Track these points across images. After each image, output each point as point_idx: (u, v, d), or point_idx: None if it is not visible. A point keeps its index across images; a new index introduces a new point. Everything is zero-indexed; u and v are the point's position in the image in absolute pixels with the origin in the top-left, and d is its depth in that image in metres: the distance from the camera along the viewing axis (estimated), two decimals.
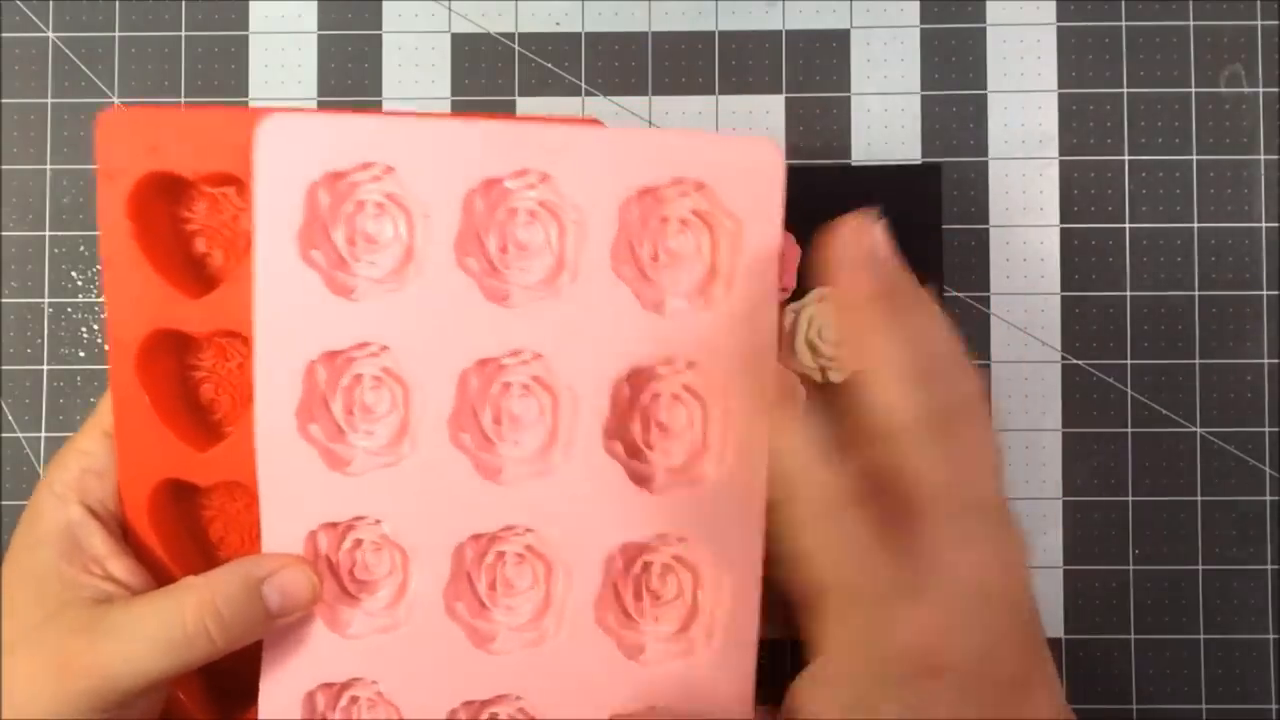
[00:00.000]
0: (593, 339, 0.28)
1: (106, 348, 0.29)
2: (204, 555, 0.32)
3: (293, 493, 0.28)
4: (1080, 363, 0.43)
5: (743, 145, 0.28)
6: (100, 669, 0.26)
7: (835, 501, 0.24)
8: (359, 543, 0.29)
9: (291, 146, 0.27)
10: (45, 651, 0.27)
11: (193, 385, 0.32)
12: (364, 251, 0.29)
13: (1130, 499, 0.42)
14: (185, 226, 0.32)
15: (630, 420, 0.29)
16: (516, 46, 0.44)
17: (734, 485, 0.28)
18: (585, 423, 0.28)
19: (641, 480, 0.29)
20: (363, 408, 0.29)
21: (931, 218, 0.42)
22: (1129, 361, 0.43)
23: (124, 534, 0.30)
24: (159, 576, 0.30)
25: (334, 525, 0.29)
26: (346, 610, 0.29)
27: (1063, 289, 0.43)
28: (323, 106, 0.44)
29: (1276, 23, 0.43)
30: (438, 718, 0.28)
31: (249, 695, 0.30)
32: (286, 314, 0.28)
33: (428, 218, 0.28)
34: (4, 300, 0.43)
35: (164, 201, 0.31)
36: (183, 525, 0.32)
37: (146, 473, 0.30)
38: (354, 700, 0.29)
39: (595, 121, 0.29)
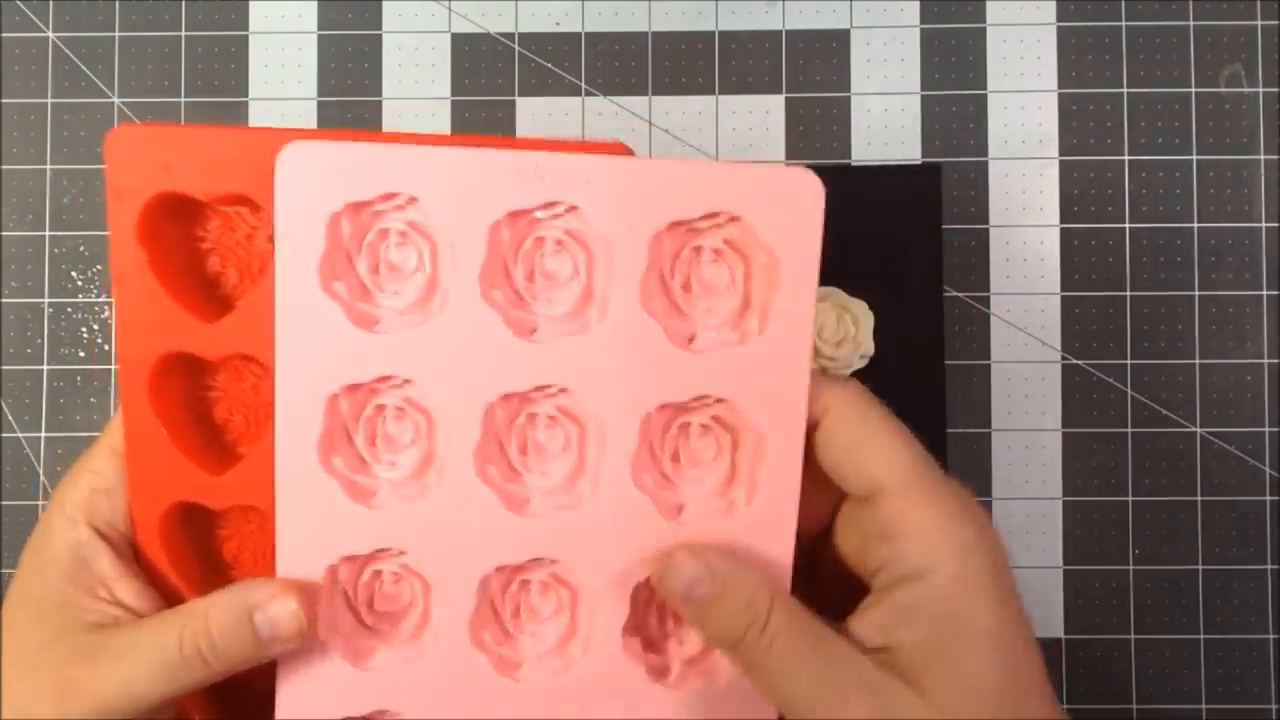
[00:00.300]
0: (621, 375, 0.28)
1: (117, 367, 0.29)
2: (217, 577, 0.32)
3: (313, 525, 0.28)
4: (1080, 363, 0.43)
5: (781, 177, 0.27)
6: (99, 694, 0.26)
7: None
8: (379, 574, 0.29)
9: (313, 175, 0.27)
10: (45, 674, 0.27)
11: (206, 407, 0.32)
12: (387, 282, 0.28)
13: (1130, 499, 0.42)
14: (198, 245, 0.31)
15: (659, 452, 0.29)
16: (516, 46, 0.44)
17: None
18: (613, 455, 0.28)
19: (671, 514, 0.29)
20: (385, 438, 0.29)
21: (931, 218, 0.42)
22: (1129, 361, 0.43)
23: (134, 555, 0.30)
24: (170, 598, 0.30)
25: (354, 558, 0.28)
26: (365, 642, 0.29)
27: (1063, 289, 0.43)
28: (324, 108, 0.44)
29: (1276, 23, 0.43)
30: None
31: (261, 712, 0.30)
32: (308, 345, 0.27)
33: (453, 248, 0.27)
34: (4, 300, 0.43)
35: (176, 221, 0.30)
36: (195, 547, 0.31)
37: (158, 495, 0.29)
38: None
39: (624, 149, 0.28)
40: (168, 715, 0.29)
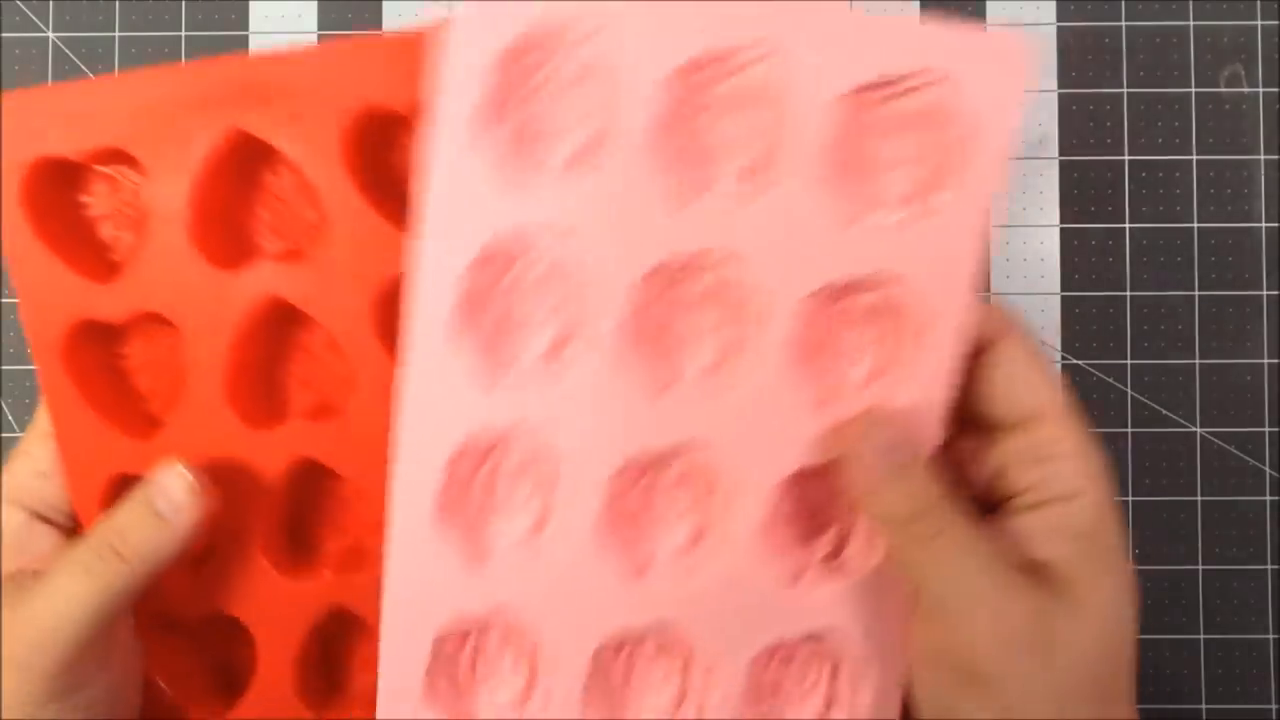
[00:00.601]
0: (785, 249, 0.26)
1: (30, 350, 0.29)
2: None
3: (444, 392, 0.26)
4: (1080, 363, 0.43)
5: (985, 38, 0.25)
6: (35, 622, 0.26)
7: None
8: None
9: (483, 23, 0.25)
10: None
11: (124, 376, 0.31)
12: (554, 131, 0.26)
13: (1130, 499, 0.42)
14: (85, 212, 0.31)
15: (819, 331, 0.27)
16: None
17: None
18: (772, 335, 0.26)
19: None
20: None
21: None
22: (1129, 361, 0.43)
23: (78, 531, 0.30)
24: None
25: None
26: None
27: (1063, 289, 0.43)
28: None
29: (1276, 23, 0.43)
30: None
31: (243, 687, 0.30)
32: (452, 205, 0.26)
33: (626, 97, 0.25)
34: (4, 300, 0.43)
35: (59, 188, 0.30)
36: None
37: (92, 471, 0.29)
38: None
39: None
40: (128, 683, 0.29)
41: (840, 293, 0.27)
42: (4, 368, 0.43)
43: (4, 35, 0.44)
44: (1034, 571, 0.25)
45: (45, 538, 0.29)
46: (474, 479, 0.27)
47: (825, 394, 0.27)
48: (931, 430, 0.27)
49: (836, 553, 0.28)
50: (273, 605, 0.29)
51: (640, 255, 0.26)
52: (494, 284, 0.27)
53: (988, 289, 0.43)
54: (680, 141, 0.26)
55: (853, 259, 0.26)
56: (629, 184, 0.25)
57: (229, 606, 0.30)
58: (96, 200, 0.31)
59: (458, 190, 0.25)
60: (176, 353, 0.30)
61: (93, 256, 0.30)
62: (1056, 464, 0.26)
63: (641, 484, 0.28)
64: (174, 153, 0.28)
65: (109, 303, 0.29)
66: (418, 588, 0.27)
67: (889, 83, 0.26)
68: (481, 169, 0.25)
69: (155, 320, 0.30)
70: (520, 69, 0.26)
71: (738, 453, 0.27)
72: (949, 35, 0.25)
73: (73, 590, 0.26)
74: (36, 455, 0.30)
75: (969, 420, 0.28)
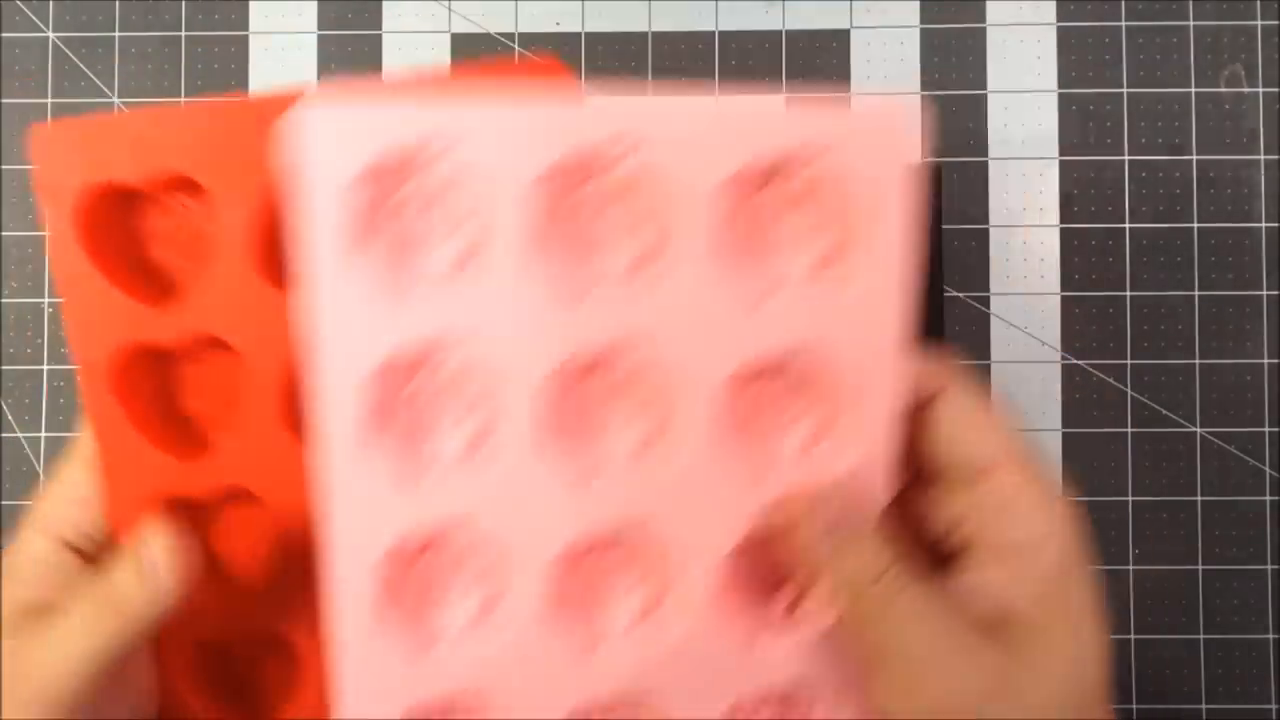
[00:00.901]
0: (694, 335, 0.25)
1: (77, 374, 0.29)
2: (213, 570, 0.32)
3: (360, 508, 0.26)
4: (1080, 363, 0.43)
5: (861, 108, 0.25)
6: (42, 667, 0.27)
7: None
8: (435, 560, 0.27)
9: (333, 140, 0.25)
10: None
11: (174, 399, 0.31)
12: (425, 245, 0.26)
13: (1130, 499, 0.42)
14: (141, 236, 0.30)
15: (744, 406, 0.27)
16: (516, 46, 0.44)
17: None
18: (693, 417, 0.26)
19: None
20: (440, 408, 0.27)
21: (932, 218, 0.42)
22: (1129, 361, 0.43)
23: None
24: None
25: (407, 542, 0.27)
26: (425, 629, 0.28)
27: (1063, 289, 0.43)
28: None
29: (1276, 23, 0.43)
30: None
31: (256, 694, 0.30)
32: (341, 318, 0.25)
33: (495, 207, 0.25)
34: (4, 300, 0.43)
35: (114, 213, 0.30)
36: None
37: (137, 494, 0.29)
38: None
39: (557, 64, 0.26)
40: (142, 694, 0.29)
41: (761, 368, 0.26)
42: (4, 368, 0.43)
43: (4, 35, 0.44)
44: (996, 626, 0.25)
45: (69, 566, 0.29)
46: (409, 577, 0.27)
47: (760, 467, 0.27)
48: (877, 491, 0.27)
49: (794, 607, 0.28)
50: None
51: (546, 351, 0.25)
52: (397, 393, 0.26)
53: (988, 289, 0.43)
54: (563, 237, 0.26)
55: (766, 335, 0.26)
56: (518, 283, 0.25)
57: (282, 628, 0.30)
58: (151, 224, 0.31)
59: (342, 310, 0.25)
60: (230, 375, 0.30)
61: (145, 280, 0.30)
62: (1014, 513, 0.26)
63: (585, 565, 0.28)
64: (240, 178, 0.28)
65: (163, 326, 0.29)
66: (368, 683, 0.26)
67: (769, 163, 0.25)
68: (363, 287, 0.25)
69: (210, 343, 0.29)
70: (381, 187, 0.25)
71: (679, 531, 0.27)
72: (822, 113, 0.25)
73: (71, 647, 0.27)
74: (74, 482, 0.29)
75: (923, 473, 0.28)
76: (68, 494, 0.29)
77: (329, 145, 0.24)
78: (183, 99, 0.44)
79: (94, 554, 0.29)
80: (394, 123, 0.25)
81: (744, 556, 0.27)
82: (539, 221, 0.25)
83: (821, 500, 0.26)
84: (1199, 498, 0.42)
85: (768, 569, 0.28)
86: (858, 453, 0.26)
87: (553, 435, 0.26)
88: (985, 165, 0.43)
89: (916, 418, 0.27)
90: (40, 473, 0.43)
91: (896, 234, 0.25)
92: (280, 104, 0.26)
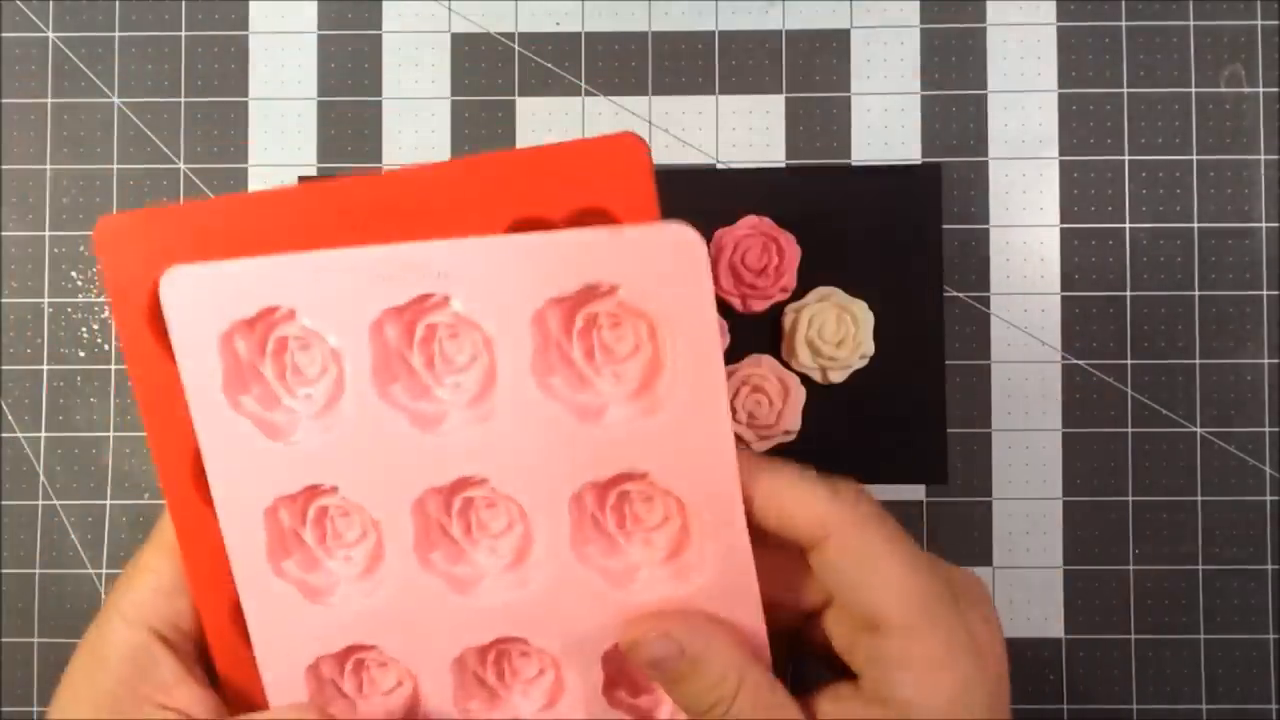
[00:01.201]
0: (535, 461, 0.27)
1: (156, 469, 0.29)
2: None
3: (282, 631, 0.28)
4: (1080, 363, 0.43)
5: (656, 240, 0.25)
6: None
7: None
8: (361, 663, 0.29)
9: (196, 298, 0.27)
10: None
11: None
12: (297, 386, 0.28)
13: (1130, 499, 0.42)
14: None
15: (602, 519, 0.28)
16: (516, 46, 0.44)
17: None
18: (550, 534, 0.27)
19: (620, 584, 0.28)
20: (334, 535, 0.29)
21: (931, 218, 0.42)
22: (1129, 361, 0.43)
23: (198, 656, 0.29)
24: (244, 695, 0.29)
25: (332, 655, 0.29)
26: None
27: (1063, 289, 0.43)
28: (324, 108, 0.44)
29: (1276, 23, 0.43)
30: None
31: None
32: (231, 462, 0.27)
33: (343, 351, 0.27)
34: (4, 300, 0.43)
35: None
36: None
37: (222, 589, 0.29)
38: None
39: (637, 140, 0.26)
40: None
41: (606, 486, 0.27)
42: (4, 368, 0.43)
43: (4, 35, 0.44)
44: None
45: (164, 661, 0.28)
46: (330, 683, 0.29)
47: (621, 577, 0.28)
48: (747, 607, 0.27)
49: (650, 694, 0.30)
50: None
51: (410, 483, 0.27)
52: (300, 521, 0.29)
53: (988, 289, 0.43)
54: (402, 376, 0.28)
55: (598, 459, 0.27)
56: (374, 425, 0.27)
57: None
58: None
59: (229, 455, 0.27)
60: None
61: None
62: (898, 674, 0.25)
63: (479, 664, 0.29)
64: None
65: None
66: (276, 632, 0.28)
67: (574, 294, 0.26)
68: (244, 433, 0.27)
69: None
70: (247, 343, 0.28)
71: (554, 638, 0.28)
72: (621, 242, 0.25)
73: None
74: (159, 570, 0.29)
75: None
76: (153, 583, 0.29)
77: (193, 306, 0.27)
78: (182, 99, 0.44)
79: (182, 645, 0.29)
80: (248, 281, 0.27)
81: (614, 660, 0.29)
82: (378, 364, 0.27)
83: (663, 623, 0.26)
84: (1199, 498, 0.42)
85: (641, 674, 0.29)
86: (707, 572, 0.27)
87: (430, 550, 0.28)
88: (985, 165, 0.43)
89: (815, 554, 0.26)
90: (40, 473, 0.43)
91: (702, 360, 0.25)
92: (349, 188, 0.27)
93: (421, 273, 0.26)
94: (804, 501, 0.26)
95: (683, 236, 0.25)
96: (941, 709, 0.24)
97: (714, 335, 0.25)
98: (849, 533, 0.25)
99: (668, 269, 0.25)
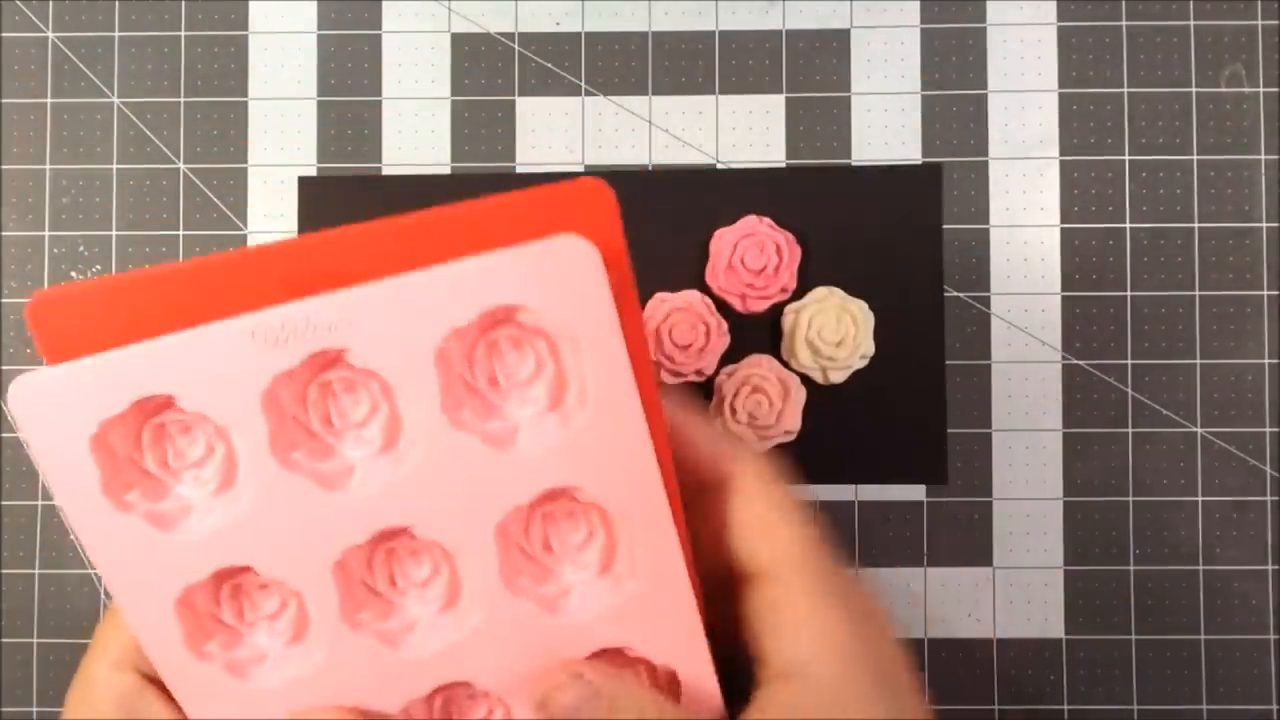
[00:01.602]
0: (455, 499, 0.26)
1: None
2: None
3: (211, 706, 0.27)
4: (1080, 363, 0.43)
5: (545, 252, 0.25)
6: None
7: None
8: None
9: (54, 406, 0.25)
10: None
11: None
12: (185, 470, 0.27)
13: (1130, 499, 0.42)
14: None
15: (529, 547, 0.27)
16: (516, 46, 0.44)
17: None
18: (480, 572, 0.26)
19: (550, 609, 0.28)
20: (253, 609, 0.28)
21: (931, 218, 0.42)
22: (1129, 361, 0.43)
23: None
24: None
25: None
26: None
27: (1063, 289, 0.43)
28: (324, 108, 0.44)
29: (1276, 23, 0.43)
30: None
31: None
32: (126, 564, 0.26)
33: (230, 426, 0.26)
34: (4, 300, 0.43)
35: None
36: None
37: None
38: None
39: (600, 186, 0.26)
40: None
41: (529, 510, 0.27)
42: (4, 368, 0.43)
43: (4, 35, 0.44)
44: None
45: (155, 702, 0.27)
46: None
47: (555, 600, 0.27)
48: (682, 612, 0.26)
49: None
50: None
51: (327, 542, 0.26)
52: (214, 607, 0.28)
53: (988, 289, 0.43)
54: (300, 438, 0.27)
55: (519, 482, 0.26)
56: (280, 495, 0.26)
57: None
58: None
59: (129, 553, 0.26)
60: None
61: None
62: (781, 635, 0.24)
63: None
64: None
65: None
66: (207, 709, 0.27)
67: (478, 320, 0.25)
68: (138, 526, 0.26)
69: None
70: (122, 435, 0.26)
71: (496, 675, 0.27)
72: (509, 262, 0.25)
73: None
74: None
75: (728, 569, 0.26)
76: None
77: (52, 416, 0.25)
78: (182, 99, 0.44)
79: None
80: (113, 374, 0.25)
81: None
82: (275, 430, 0.26)
83: (570, 677, 0.25)
84: (1199, 498, 0.42)
85: None
86: (640, 577, 0.26)
87: (357, 610, 0.27)
88: (985, 165, 0.43)
89: (705, 507, 0.26)
90: (39, 473, 0.43)
91: (606, 367, 0.25)
92: (287, 252, 0.26)
93: (308, 331, 0.25)
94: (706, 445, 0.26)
95: (567, 246, 0.24)
96: (831, 671, 0.23)
97: (615, 340, 0.25)
98: (746, 482, 0.26)
99: (558, 282, 0.25)
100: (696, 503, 0.27)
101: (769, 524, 0.25)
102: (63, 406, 0.25)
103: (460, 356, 0.26)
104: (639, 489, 0.26)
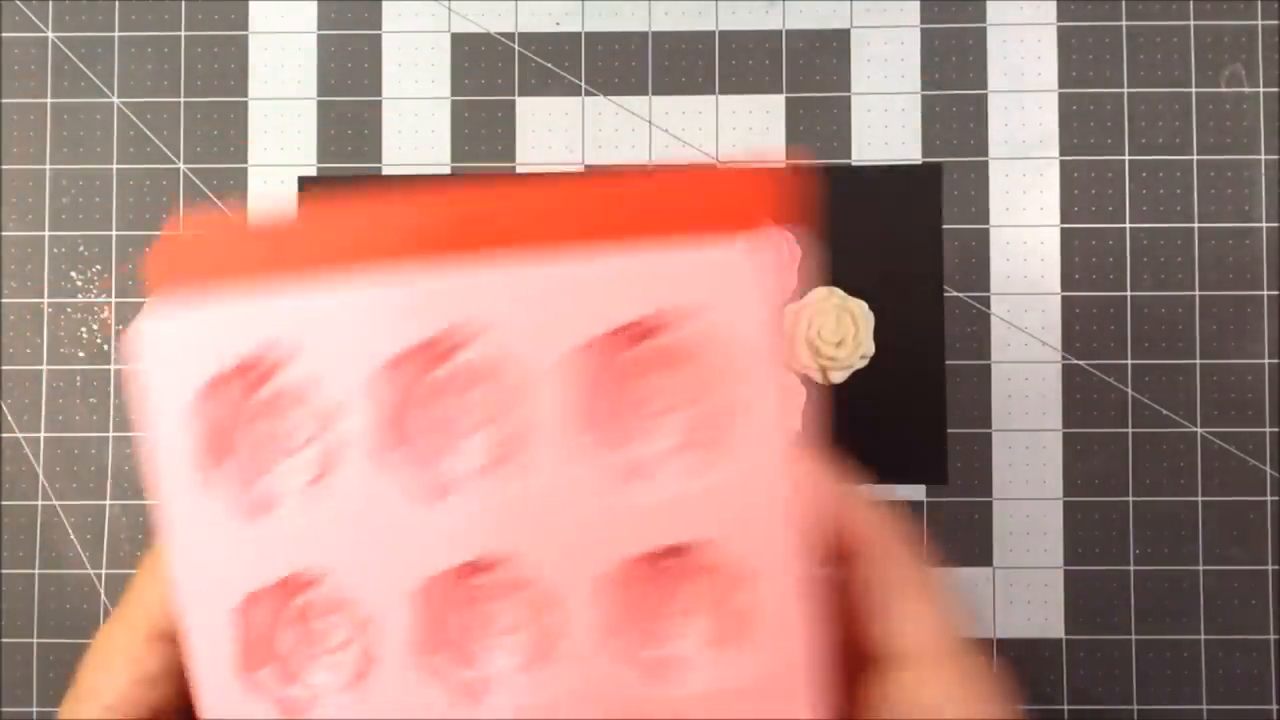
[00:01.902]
0: (563, 533, 0.23)
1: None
2: None
3: None
4: (1080, 363, 0.43)
5: (705, 262, 0.22)
6: None
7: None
8: None
9: (167, 354, 0.23)
10: None
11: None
12: (279, 458, 0.24)
13: (1130, 499, 0.42)
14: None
15: (634, 606, 0.24)
16: (516, 46, 0.44)
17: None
18: (576, 625, 0.23)
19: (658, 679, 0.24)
20: (313, 641, 0.25)
21: (931, 218, 0.42)
22: (1129, 361, 0.43)
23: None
24: None
25: None
26: None
27: (1063, 289, 0.43)
28: (324, 108, 0.44)
29: (1276, 23, 0.43)
30: None
31: None
32: (201, 555, 0.24)
33: (338, 409, 0.23)
34: (4, 300, 0.43)
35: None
36: None
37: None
38: None
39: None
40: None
41: (646, 561, 0.23)
42: (4, 368, 0.43)
43: (4, 35, 0.44)
44: None
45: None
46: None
47: (660, 670, 0.24)
48: (799, 693, 0.23)
49: None
50: None
51: (410, 567, 0.24)
52: (268, 628, 0.25)
53: (988, 289, 0.43)
54: (407, 439, 0.24)
55: (640, 531, 0.23)
56: (372, 494, 0.23)
57: None
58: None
59: (198, 543, 0.24)
60: None
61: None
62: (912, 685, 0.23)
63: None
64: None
65: None
66: None
67: (624, 331, 0.22)
68: (222, 513, 0.24)
69: None
70: (226, 401, 0.24)
71: None
72: (673, 263, 0.22)
73: None
74: (143, 660, 0.26)
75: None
76: (135, 673, 0.26)
77: (167, 362, 0.23)
78: (182, 99, 0.44)
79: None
80: (233, 327, 0.23)
81: None
82: (382, 424, 0.23)
83: None
84: (1199, 498, 0.42)
85: None
86: (762, 662, 0.23)
87: (432, 652, 0.24)
88: (985, 165, 0.43)
89: (832, 577, 0.24)
90: (40, 473, 0.43)
91: (771, 403, 0.22)
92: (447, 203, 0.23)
93: (445, 313, 0.22)
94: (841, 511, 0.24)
95: (732, 259, 0.21)
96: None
97: (773, 370, 0.22)
98: (879, 552, 0.24)
99: (723, 294, 0.21)
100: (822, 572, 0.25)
101: (907, 601, 0.23)
102: (178, 356, 0.23)
103: (594, 371, 0.23)
104: (777, 554, 0.22)
